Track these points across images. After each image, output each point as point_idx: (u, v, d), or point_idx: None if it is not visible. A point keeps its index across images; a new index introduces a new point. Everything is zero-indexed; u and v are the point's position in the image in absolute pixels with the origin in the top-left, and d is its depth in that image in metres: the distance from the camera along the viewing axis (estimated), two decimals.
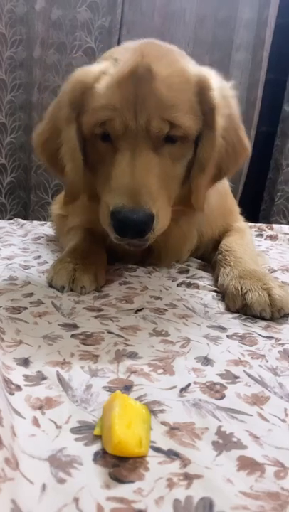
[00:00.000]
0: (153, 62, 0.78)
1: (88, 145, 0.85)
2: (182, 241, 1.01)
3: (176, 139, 0.81)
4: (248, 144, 0.89)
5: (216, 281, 0.91)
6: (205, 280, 0.93)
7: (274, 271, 1.00)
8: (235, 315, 0.76)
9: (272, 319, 0.74)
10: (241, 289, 0.78)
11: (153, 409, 0.48)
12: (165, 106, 0.77)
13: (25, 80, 1.95)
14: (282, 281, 0.90)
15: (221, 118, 0.81)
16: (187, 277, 0.95)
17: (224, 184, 1.06)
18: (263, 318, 0.75)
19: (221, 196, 1.04)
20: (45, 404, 0.48)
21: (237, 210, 1.17)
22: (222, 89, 0.84)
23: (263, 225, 1.44)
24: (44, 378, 0.53)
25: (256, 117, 2.13)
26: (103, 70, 0.81)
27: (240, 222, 1.15)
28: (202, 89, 0.81)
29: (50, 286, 0.84)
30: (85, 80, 0.81)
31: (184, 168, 0.85)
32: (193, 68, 0.83)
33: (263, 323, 0.73)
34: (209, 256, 1.06)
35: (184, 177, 0.86)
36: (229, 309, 0.79)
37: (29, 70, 1.91)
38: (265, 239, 1.34)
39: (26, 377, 0.53)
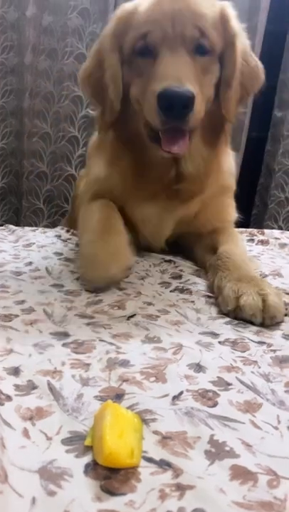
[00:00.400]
0: None
1: (126, 68, 0.97)
2: (210, 175, 1.07)
3: (206, 52, 0.93)
4: (260, 65, 1.03)
5: (210, 284, 0.91)
6: (198, 286, 0.93)
7: (265, 276, 1.00)
8: (227, 320, 0.76)
9: (263, 325, 0.74)
10: (237, 291, 0.79)
11: (145, 418, 0.48)
12: (197, 17, 0.91)
13: (16, 86, 1.94)
14: (276, 287, 0.90)
15: (240, 43, 0.97)
16: (180, 283, 0.95)
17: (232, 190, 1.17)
18: (252, 323, 0.74)
19: (227, 199, 1.16)
20: (35, 415, 0.47)
21: (234, 214, 1.18)
22: (238, 22, 0.98)
23: (254, 230, 1.44)
24: (35, 387, 0.53)
25: (247, 122, 2.15)
26: (140, 1, 0.95)
27: (233, 229, 1.16)
28: (224, 17, 0.96)
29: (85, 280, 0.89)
30: (126, 9, 0.96)
31: (212, 86, 0.97)
32: (217, 1, 0.99)
33: (255, 328, 0.73)
34: (202, 257, 1.07)
35: (212, 100, 0.98)
36: (221, 311, 0.79)
37: (20, 76, 1.91)
38: (256, 244, 1.34)
39: (17, 387, 0.52)
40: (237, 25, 0.97)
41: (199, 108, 0.89)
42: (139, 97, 0.95)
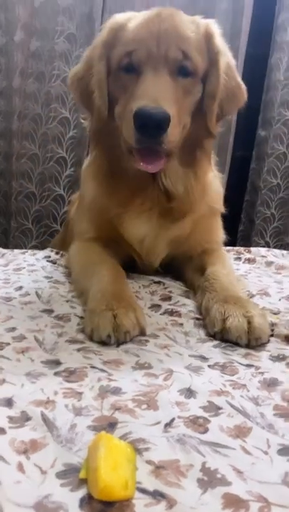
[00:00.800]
0: (172, 11, 0.99)
1: (112, 81, 1.01)
2: (198, 196, 1.08)
3: (188, 74, 0.97)
4: (244, 87, 1.06)
5: (199, 306, 0.93)
6: (187, 307, 0.95)
7: (253, 296, 1.02)
8: (216, 343, 0.78)
9: (248, 346, 0.76)
10: (224, 313, 0.80)
11: (138, 447, 0.48)
12: (181, 39, 0.95)
13: (5, 109, 1.97)
14: (263, 307, 0.92)
15: (223, 60, 1.00)
16: (170, 304, 0.96)
17: (219, 212, 1.20)
18: (238, 345, 0.76)
19: (216, 220, 1.19)
20: (30, 448, 0.48)
21: (222, 236, 1.21)
22: (223, 40, 1.02)
23: (241, 249, 1.47)
24: (28, 419, 0.53)
25: (231, 142, 2.20)
26: (132, 16, 1.01)
27: (222, 250, 1.19)
28: (209, 36, 1.00)
29: (91, 339, 0.76)
30: (117, 22, 1.01)
31: (193, 105, 1.00)
32: (202, 20, 1.02)
33: (243, 351, 0.74)
34: (191, 278, 1.09)
35: (192, 119, 1.00)
36: (209, 333, 0.81)
37: (9, 99, 1.93)
38: (243, 262, 1.37)
39: (10, 419, 0.53)
40: (221, 43, 1.01)
41: (174, 130, 0.91)
42: (121, 113, 0.98)
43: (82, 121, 1.54)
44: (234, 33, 2.07)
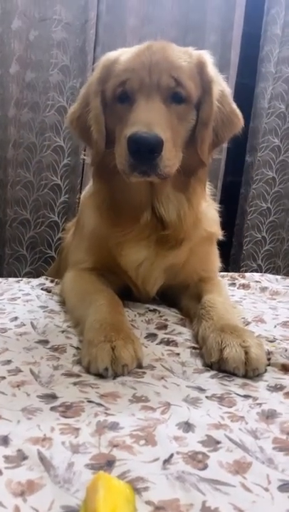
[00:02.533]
0: (164, 44, 1.03)
1: (108, 113, 1.04)
2: (192, 224, 1.09)
3: (182, 100, 0.99)
4: (240, 114, 1.08)
5: (195, 334, 0.93)
6: (183, 336, 0.95)
7: (248, 323, 1.03)
8: (213, 373, 0.77)
9: (245, 377, 0.75)
10: (221, 343, 0.80)
11: (137, 486, 0.48)
12: (173, 68, 0.98)
13: (0, 138, 2.00)
14: (259, 335, 0.93)
15: (216, 88, 1.02)
16: (166, 333, 0.96)
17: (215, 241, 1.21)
18: (235, 375, 0.76)
19: (212, 248, 1.21)
20: (26, 489, 0.47)
21: (218, 264, 1.22)
22: (215, 69, 1.05)
23: (235, 274, 1.49)
24: (25, 458, 0.52)
25: (223, 167, 2.25)
26: (123, 51, 1.04)
27: (218, 278, 1.20)
28: (201, 65, 1.02)
29: (88, 371, 0.75)
30: (110, 58, 1.05)
31: (188, 131, 1.02)
32: (194, 50, 1.06)
33: (240, 381, 0.74)
34: (187, 306, 1.09)
35: (187, 146, 1.01)
36: (205, 363, 0.81)
37: (4, 128, 1.96)
38: (238, 288, 1.37)
39: (6, 459, 0.52)
40: (213, 71, 1.04)
41: (170, 154, 0.92)
42: (117, 142, 0.99)
43: (84, 157, 1.59)
44: (223, 65, 2.14)
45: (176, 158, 0.97)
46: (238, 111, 1.09)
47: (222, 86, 1.06)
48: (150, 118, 0.92)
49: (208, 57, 1.05)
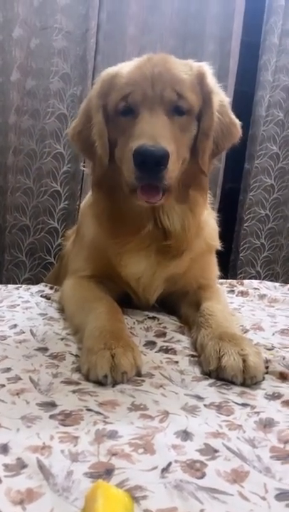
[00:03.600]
0: (164, 56, 1.04)
1: (111, 127, 1.04)
2: (193, 231, 1.10)
3: (183, 112, 1.00)
4: (238, 124, 1.10)
5: (194, 342, 0.93)
6: (182, 343, 0.95)
7: (247, 331, 1.03)
8: (211, 381, 0.78)
9: (243, 385, 0.76)
10: (219, 351, 0.81)
11: (135, 495, 0.48)
12: (175, 81, 0.99)
13: (0, 144, 2.01)
14: (257, 343, 0.93)
15: (216, 99, 1.04)
16: (164, 341, 0.96)
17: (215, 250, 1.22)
18: (233, 383, 0.76)
19: (211, 257, 1.21)
20: (26, 498, 0.47)
21: (216, 272, 1.23)
22: (215, 80, 1.07)
23: (234, 281, 1.49)
24: (24, 466, 0.52)
25: (221, 175, 2.26)
26: (123, 65, 1.05)
27: (217, 285, 1.20)
28: (201, 76, 1.04)
29: (87, 378, 0.76)
30: (110, 73, 1.05)
31: (190, 142, 1.03)
32: (194, 62, 1.07)
33: (238, 390, 0.75)
34: (186, 314, 1.10)
35: (189, 157, 1.03)
36: (204, 371, 0.81)
37: (4, 135, 1.98)
38: (236, 295, 1.38)
39: (6, 467, 0.52)
40: (213, 82, 1.06)
41: (174, 166, 0.94)
42: (121, 155, 1.00)
43: (83, 168, 1.60)
44: (222, 73, 2.16)
45: (178, 169, 0.98)
46: (236, 121, 1.10)
47: (221, 97, 1.08)
48: (155, 131, 0.93)
49: (207, 69, 1.07)
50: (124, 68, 1.03)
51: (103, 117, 1.05)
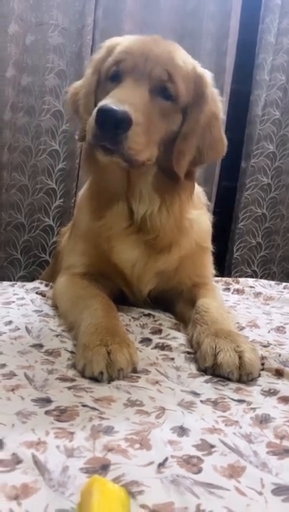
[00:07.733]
0: (171, 42, 1.05)
1: (99, 91, 1.04)
2: (176, 231, 1.08)
3: (169, 98, 0.98)
4: (225, 142, 1.08)
5: (189, 339, 0.93)
6: (178, 340, 0.95)
7: (242, 328, 1.03)
8: (207, 378, 0.78)
9: (239, 381, 0.76)
10: (215, 347, 0.81)
11: (131, 490, 0.48)
12: (170, 63, 0.98)
13: None
14: (253, 340, 0.93)
15: (207, 108, 1.02)
16: (160, 338, 0.96)
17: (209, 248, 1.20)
18: (229, 379, 0.76)
19: (205, 255, 1.19)
20: (21, 493, 0.47)
21: (212, 270, 1.23)
22: (215, 92, 1.06)
23: (230, 279, 1.49)
24: (19, 462, 0.52)
25: (217, 173, 2.26)
26: (130, 36, 1.06)
27: (212, 283, 1.20)
28: (199, 79, 1.02)
29: (83, 375, 0.75)
30: (113, 41, 1.07)
31: (168, 132, 1.00)
32: (199, 66, 1.06)
33: (234, 386, 0.75)
34: (182, 311, 1.10)
35: (168, 149, 1.00)
36: (200, 368, 0.81)
37: None
38: (232, 293, 1.38)
39: (1, 462, 0.52)
40: (210, 91, 1.03)
41: (138, 139, 0.90)
42: None
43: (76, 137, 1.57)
44: (218, 71, 2.16)
45: (148, 148, 0.95)
46: (224, 139, 1.08)
47: (215, 109, 1.05)
48: (127, 97, 0.91)
49: (208, 77, 1.05)
50: (128, 39, 1.04)
51: (96, 81, 1.06)
